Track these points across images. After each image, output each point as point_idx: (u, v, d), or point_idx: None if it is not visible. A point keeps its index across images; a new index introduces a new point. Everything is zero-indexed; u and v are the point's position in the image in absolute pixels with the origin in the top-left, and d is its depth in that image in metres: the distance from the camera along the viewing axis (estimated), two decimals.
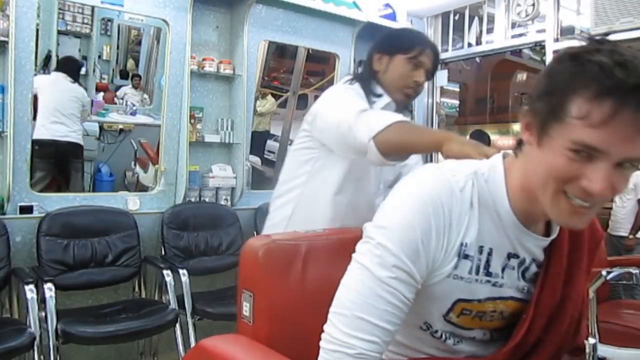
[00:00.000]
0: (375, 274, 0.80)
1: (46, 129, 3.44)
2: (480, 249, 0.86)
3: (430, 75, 1.54)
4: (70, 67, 3.56)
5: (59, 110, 3.50)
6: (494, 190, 0.86)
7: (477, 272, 0.86)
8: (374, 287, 0.79)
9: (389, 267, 0.79)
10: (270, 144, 5.44)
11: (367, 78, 1.54)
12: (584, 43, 0.75)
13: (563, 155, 0.73)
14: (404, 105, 1.59)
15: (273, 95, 5.78)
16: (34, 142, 3.28)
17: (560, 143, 0.73)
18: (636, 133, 0.69)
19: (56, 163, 3.55)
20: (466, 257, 0.84)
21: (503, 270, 0.88)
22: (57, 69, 3.48)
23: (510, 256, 0.88)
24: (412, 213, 0.81)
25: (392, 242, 0.80)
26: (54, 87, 3.48)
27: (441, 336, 0.91)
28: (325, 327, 0.82)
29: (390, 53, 1.52)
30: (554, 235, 0.90)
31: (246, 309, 1.03)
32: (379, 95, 1.52)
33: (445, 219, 0.82)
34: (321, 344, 0.82)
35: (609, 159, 0.71)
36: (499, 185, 0.86)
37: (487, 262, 0.86)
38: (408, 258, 0.80)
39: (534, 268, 0.91)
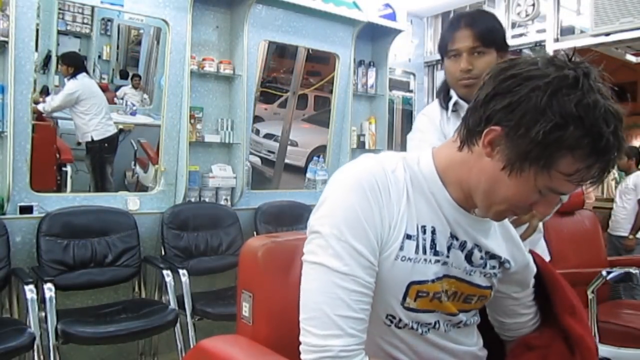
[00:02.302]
0: (331, 267, 0.80)
1: (111, 127, 3.66)
2: (424, 229, 0.87)
3: (480, 44, 1.42)
4: (83, 63, 3.67)
5: (108, 107, 3.70)
6: (425, 172, 0.89)
7: (425, 252, 0.87)
8: (334, 280, 0.79)
9: (342, 255, 0.80)
10: (271, 144, 5.43)
11: (444, 87, 1.61)
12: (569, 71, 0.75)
13: (533, 192, 0.79)
14: (471, 93, 1.53)
15: (273, 95, 5.77)
16: (103, 141, 3.58)
17: (534, 184, 0.78)
18: None
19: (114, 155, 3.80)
20: (409, 237, 0.85)
21: (449, 249, 0.89)
22: (80, 70, 3.54)
23: (452, 236, 0.90)
24: (348, 194, 0.82)
25: (338, 228, 0.80)
26: (93, 88, 3.59)
27: (407, 325, 0.89)
28: (300, 338, 0.81)
29: (442, 59, 1.54)
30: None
31: (245, 309, 1.03)
32: (451, 98, 1.57)
33: (382, 193, 0.84)
34: (302, 357, 0.80)
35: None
36: (430, 168, 0.89)
37: (433, 240, 0.88)
38: (356, 240, 0.80)
39: (477, 253, 0.92)
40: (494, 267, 0.95)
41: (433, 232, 0.88)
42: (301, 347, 0.81)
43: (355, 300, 0.80)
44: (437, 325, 0.91)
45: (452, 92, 1.56)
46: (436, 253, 0.88)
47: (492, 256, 0.94)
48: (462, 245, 0.91)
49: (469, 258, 0.91)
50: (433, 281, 0.87)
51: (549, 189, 0.78)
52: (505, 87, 0.77)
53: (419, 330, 0.90)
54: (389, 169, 0.87)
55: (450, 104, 1.55)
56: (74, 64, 3.54)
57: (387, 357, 0.91)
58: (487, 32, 1.43)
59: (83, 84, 3.51)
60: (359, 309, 0.80)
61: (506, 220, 0.98)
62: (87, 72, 3.61)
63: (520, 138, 0.75)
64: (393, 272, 0.84)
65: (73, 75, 3.49)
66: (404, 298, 0.86)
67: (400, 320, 0.88)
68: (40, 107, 3.31)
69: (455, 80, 1.49)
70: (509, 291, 1.02)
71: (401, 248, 0.84)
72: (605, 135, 0.73)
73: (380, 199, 0.83)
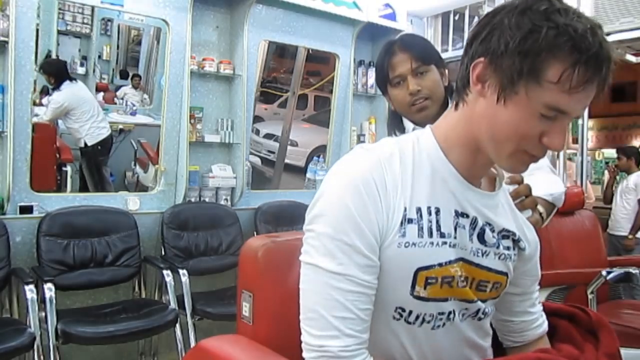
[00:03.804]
0: (325, 267, 0.78)
1: (103, 130, 3.61)
2: (429, 210, 0.84)
3: (421, 63, 1.42)
4: (66, 70, 3.58)
5: (100, 108, 3.65)
6: (428, 149, 0.86)
7: (430, 235, 0.83)
8: (328, 281, 0.78)
9: (335, 254, 0.78)
10: (271, 144, 5.43)
11: (394, 120, 1.59)
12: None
13: (534, 117, 0.77)
14: (427, 117, 1.48)
15: (273, 95, 5.77)
16: (96, 145, 3.54)
17: (532, 104, 0.76)
18: (595, 97, 0.77)
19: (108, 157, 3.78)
20: (410, 221, 0.82)
21: (455, 229, 0.85)
22: (64, 78, 3.45)
23: (458, 214, 0.86)
24: (342, 192, 0.80)
25: (332, 227, 0.79)
26: (81, 94, 3.53)
27: (417, 317, 0.85)
28: (302, 338, 0.81)
29: (385, 91, 1.51)
30: (498, 190, 0.91)
31: (246, 309, 1.03)
32: (405, 128, 1.55)
33: (378, 186, 0.81)
34: (303, 355, 0.80)
35: (568, 118, 0.78)
36: (432, 143, 0.87)
37: (437, 222, 0.84)
38: (350, 237, 0.78)
39: (490, 233, 0.88)
40: (508, 248, 0.90)
41: (437, 212, 0.84)
42: (302, 346, 0.81)
43: (351, 300, 0.78)
44: (451, 316, 0.87)
45: (405, 122, 1.53)
46: (442, 235, 0.83)
47: (505, 235, 0.90)
48: (473, 223, 0.87)
49: (481, 237, 0.87)
50: (441, 265, 0.83)
51: (547, 106, 0.75)
52: (481, 24, 0.80)
53: (430, 323, 0.86)
54: (383, 157, 0.84)
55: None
56: (55, 74, 3.43)
57: (397, 353, 0.87)
58: (423, 50, 1.44)
59: (69, 94, 3.42)
60: (356, 309, 0.78)
61: (511, 201, 0.96)
62: (71, 79, 3.48)
63: (501, 57, 0.76)
64: (397, 260, 0.81)
65: (57, 86, 3.40)
66: (413, 287, 0.82)
67: (410, 312, 0.84)
68: (37, 119, 3.29)
69: (408, 106, 1.45)
70: (518, 283, 0.97)
71: (403, 234, 0.81)
72: (580, 31, 0.73)
73: (377, 193, 0.81)
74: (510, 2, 0.78)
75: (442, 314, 0.86)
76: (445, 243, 0.84)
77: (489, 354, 0.98)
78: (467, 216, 0.86)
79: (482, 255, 0.87)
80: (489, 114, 0.80)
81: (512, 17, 0.76)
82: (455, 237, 0.85)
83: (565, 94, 0.74)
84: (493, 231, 0.89)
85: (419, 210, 0.83)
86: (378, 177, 0.82)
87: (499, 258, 0.89)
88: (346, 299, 0.78)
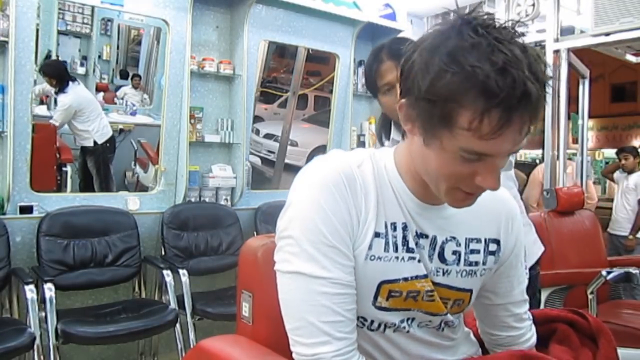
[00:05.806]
0: (308, 274, 0.77)
1: (108, 127, 3.63)
2: (393, 226, 0.83)
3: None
4: (67, 71, 3.56)
5: (102, 109, 3.68)
6: (388, 168, 0.86)
7: (396, 249, 0.83)
8: (314, 287, 0.77)
9: (317, 258, 0.77)
10: (270, 144, 5.43)
11: (385, 123, 1.57)
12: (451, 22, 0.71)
13: (456, 160, 0.73)
14: None
15: (273, 95, 5.77)
16: (107, 142, 3.56)
17: (451, 149, 0.73)
18: (520, 135, 0.71)
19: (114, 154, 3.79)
20: (377, 235, 0.82)
21: (416, 247, 0.85)
22: (66, 80, 3.41)
23: (418, 235, 0.85)
24: (314, 193, 0.79)
25: (310, 230, 0.78)
26: (86, 95, 3.54)
27: (380, 325, 0.86)
28: (291, 348, 0.80)
29: (376, 96, 1.52)
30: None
31: (245, 309, 1.03)
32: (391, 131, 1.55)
33: (348, 189, 0.80)
34: None
35: (496, 158, 0.73)
36: (391, 165, 0.86)
37: (404, 237, 0.84)
38: (328, 239, 0.78)
39: (450, 248, 0.87)
40: (475, 264, 0.89)
41: (404, 228, 0.84)
42: (294, 356, 0.80)
43: (338, 303, 0.78)
44: (411, 323, 0.87)
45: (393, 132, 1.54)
46: (409, 250, 0.84)
47: (473, 250, 0.89)
48: (433, 243, 0.86)
49: (441, 256, 0.87)
50: (406, 279, 0.83)
51: (465, 150, 0.71)
52: (405, 59, 0.76)
53: (392, 330, 0.87)
54: (354, 164, 0.84)
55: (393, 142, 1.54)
56: (57, 76, 3.40)
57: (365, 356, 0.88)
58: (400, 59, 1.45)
59: (75, 96, 3.40)
60: (343, 310, 0.78)
61: (498, 197, 0.91)
62: (73, 80, 3.45)
63: (417, 102, 0.73)
64: (363, 272, 0.81)
65: (61, 89, 3.38)
66: (375, 297, 0.83)
67: (372, 322, 0.86)
68: (52, 121, 3.32)
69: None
70: (497, 288, 0.95)
71: (370, 247, 0.81)
72: (486, 73, 0.66)
73: (347, 194, 0.80)
74: (427, 35, 0.74)
75: (403, 321, 0.87)
76: (412, 258, 0.84)
77: (461, 349, 0.98)
78: (427, 236, 0.86)
79: (444, 274, 0.87)
80: (421, 152, 0.78)
81: (423, 57, 0.71)
82: (417, 254, 0.85)
83: (482, 140, 0.70)
84: (459, 245, 0.88)
85: (386, 225, 0.83)
86: (348, 179, 0.81)
87: (462, 275, 0.89)
88: (333, 303, 0.77)
